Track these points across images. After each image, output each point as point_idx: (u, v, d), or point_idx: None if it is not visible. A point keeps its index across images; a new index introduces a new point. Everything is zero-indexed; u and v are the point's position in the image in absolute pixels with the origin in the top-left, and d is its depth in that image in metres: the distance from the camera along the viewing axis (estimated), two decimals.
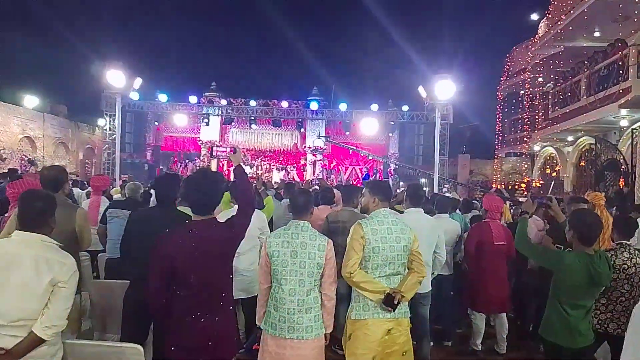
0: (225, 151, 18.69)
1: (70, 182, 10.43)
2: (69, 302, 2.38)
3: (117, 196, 7.59)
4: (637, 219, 4.68)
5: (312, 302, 2.91)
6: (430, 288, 4.31)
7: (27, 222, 2.44)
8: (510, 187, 19.21)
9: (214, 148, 19.71)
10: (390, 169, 20.33)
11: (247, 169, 19.25)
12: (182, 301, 2.55)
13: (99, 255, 5.26)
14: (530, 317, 5.31)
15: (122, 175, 9.91)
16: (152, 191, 5.50)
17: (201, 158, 19.97)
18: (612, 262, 3.24)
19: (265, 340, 2.97)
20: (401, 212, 4.64)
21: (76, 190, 9.12)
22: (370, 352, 2.93)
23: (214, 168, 17.86)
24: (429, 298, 4.32)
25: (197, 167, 19.00)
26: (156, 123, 21.22)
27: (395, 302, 2.89)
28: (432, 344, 5.22)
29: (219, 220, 2.70)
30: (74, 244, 3.58)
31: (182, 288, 2.54)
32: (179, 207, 4.28)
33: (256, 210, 4.26)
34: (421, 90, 16.50)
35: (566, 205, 4.64)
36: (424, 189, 16.81)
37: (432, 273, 4.40)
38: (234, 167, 3.11)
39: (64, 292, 2.35)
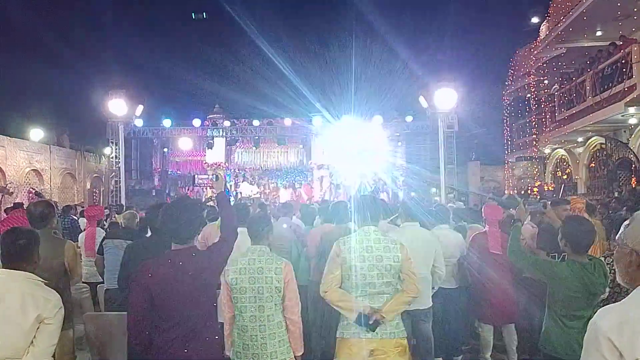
0: (208, 179, 18.60)
1: (78, 213, 10.55)
2: (54, 339, 2.38)
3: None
4: None
5: (275, 327, 2.86)
6: (431, 304, 4.20)
7: (11, 259, 2.46)
8: (522, 192, 18.93)
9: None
10: (399, 181, 20.19)
11: (254, 189, 19.38)
12: (163, 333, 2.50)
13: (98, 286, 5.24)
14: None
15: (112, 215, 9.66)
16: None
17: (207, 179, 19.95)
18: (615, 267, 3.12)
19: None
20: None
21: (82, 220, 9.15)
22: None
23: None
24: (430, 314, 4.21)
25: (203, 190, 18.98)
26: (165, 150, 21.40)
27: (370, 322, 2.81)
28: (441, 359, 5.10)
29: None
30: (64, 277, 3.58)
31: (163, 319, 2.50)
32: None
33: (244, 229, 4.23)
34: (422, 100, 16.42)
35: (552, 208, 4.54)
36: (435, 198, 16.62)
37: (432, 288, 4.30)
38: (216, 195, 3.07)
39: (49, 328, 2.34)
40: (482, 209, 5.16)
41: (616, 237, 1.60)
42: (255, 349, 2.82)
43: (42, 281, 2.47)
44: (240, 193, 18.30)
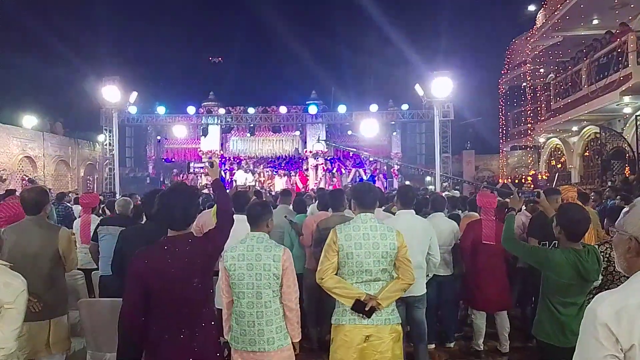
0: (203, 167, 18.57)
1: (72, 200, 10.50)
2: (17, 323, 2.33)
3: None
4: None
5: (273, 314, 2.86)
6: (425, 290, 4.22)
7: None
8: (517, 181, 19.01)
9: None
10: (394, 169, 20.20)
11: (249, 177, 19.33)
12: (159, 319, 2.50)
13: (92, 273, 5.23)
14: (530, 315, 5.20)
15: (104, 197, 9.72)
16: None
17: (202, 167, 19.92)
18: (608, 256, 3.14)
19: (232, 354, 2.96)
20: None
21: (76, 208, 9.10)
22: (349, 359, 2.89)
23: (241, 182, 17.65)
24: (424, 301, 4.23)
25: (198, 178, 18.93)
26: (158, 138, 21.30)
27: (367, 309, 2.83)
28: (434, 345, 5.15)
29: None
30: (58, 264, 3.55)
31: (159, 305, 2.49)
32: None
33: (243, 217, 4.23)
34: (418, 88, 16.37)
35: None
36: (429, 187, 16.63)
37: (427, 275, 4.32)
38: (211, 182, 3.06)
39: (10, 313, 2.30)
40: (476, 197, 5.16)
41: (615, 224, 1.60)
42: (252, 334, 2.83)
43: (6, 264, 2.43)
44: (235, 181, 18.23)
